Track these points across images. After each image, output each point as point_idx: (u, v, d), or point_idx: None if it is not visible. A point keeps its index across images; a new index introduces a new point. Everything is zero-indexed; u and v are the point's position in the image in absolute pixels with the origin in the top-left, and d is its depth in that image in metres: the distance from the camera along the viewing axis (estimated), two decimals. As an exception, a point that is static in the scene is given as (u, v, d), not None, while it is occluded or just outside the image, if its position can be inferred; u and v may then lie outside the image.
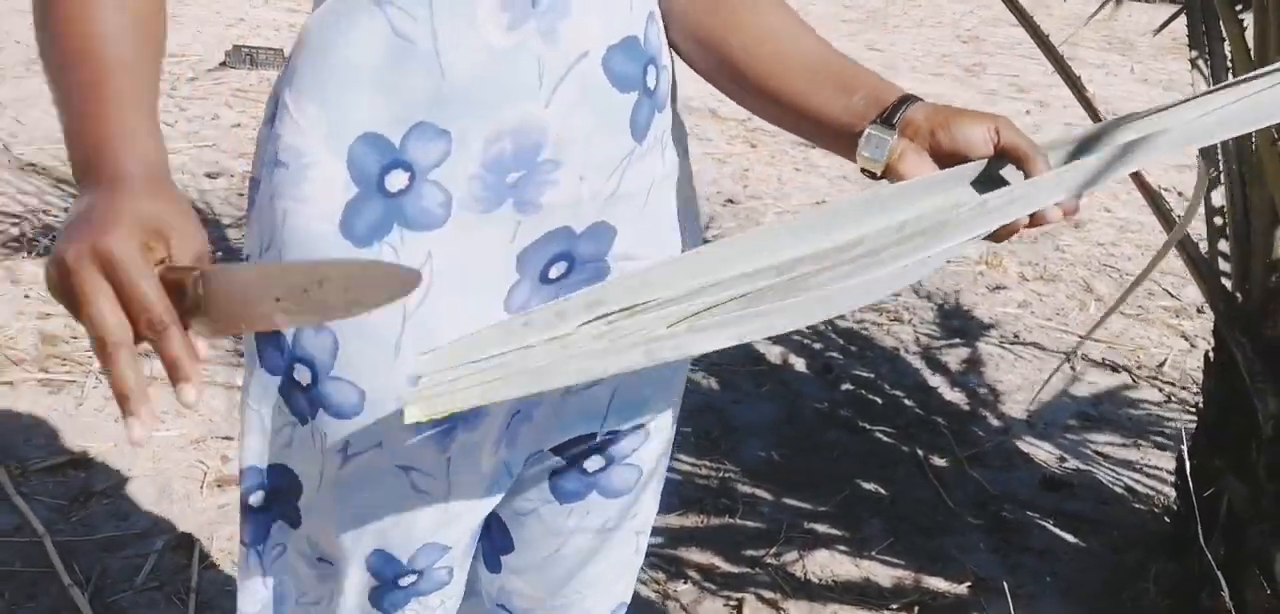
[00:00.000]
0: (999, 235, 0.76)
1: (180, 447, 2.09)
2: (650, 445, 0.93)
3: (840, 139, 0.80)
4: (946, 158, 0.77)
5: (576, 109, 0.77)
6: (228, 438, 2.13)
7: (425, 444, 0.82)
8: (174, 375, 0.61)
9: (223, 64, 4.87)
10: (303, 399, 0.81)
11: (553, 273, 0.81)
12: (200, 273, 0.62)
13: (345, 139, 0.76)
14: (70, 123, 0.67)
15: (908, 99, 0.79)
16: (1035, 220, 0.76)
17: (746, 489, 2.11)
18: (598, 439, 0.90)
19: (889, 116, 0.77)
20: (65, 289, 0.60)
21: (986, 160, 0.77)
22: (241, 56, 4.91)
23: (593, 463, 0.92)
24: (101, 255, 0.59)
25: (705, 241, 0.85)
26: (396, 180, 0.76)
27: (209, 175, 3.48)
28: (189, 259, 0.63)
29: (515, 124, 0.75)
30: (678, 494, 2.06)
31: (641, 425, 0.92)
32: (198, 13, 5.93)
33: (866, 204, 0.73)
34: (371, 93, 0.75)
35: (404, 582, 0.88)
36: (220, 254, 2.90)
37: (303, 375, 0.80)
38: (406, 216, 0.77)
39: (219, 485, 2.00)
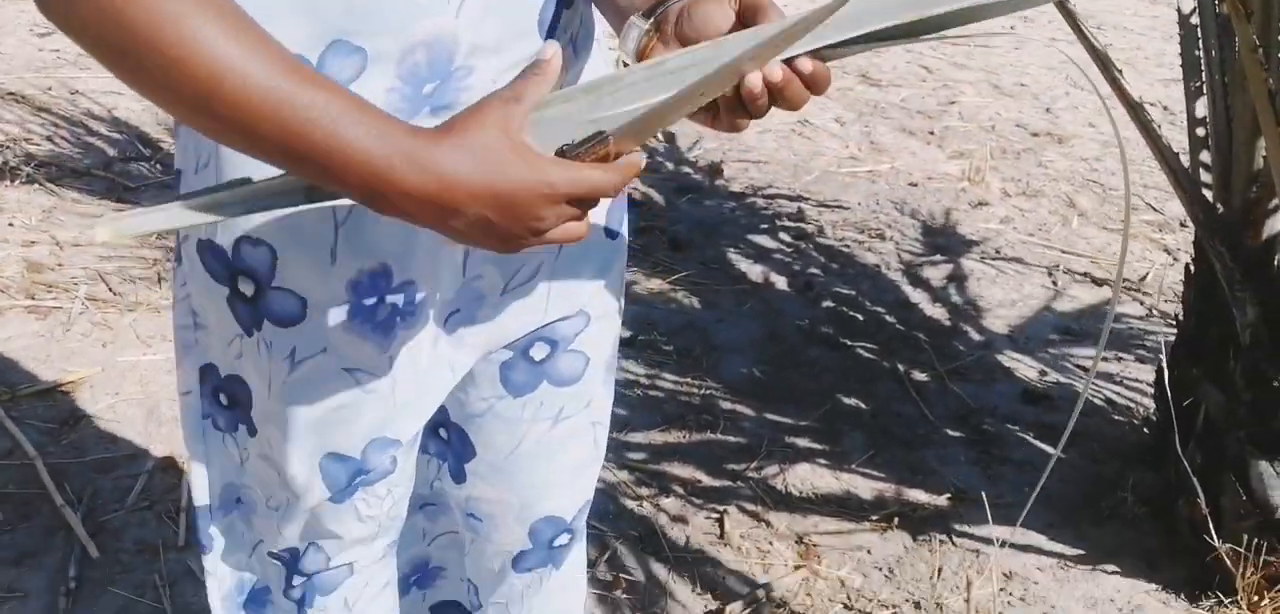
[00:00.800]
0: (732, 115, 0.74)
1: (167, 370, 2.10)
2: (593, 330, 0.96)
3: (617, 25, 0.81)
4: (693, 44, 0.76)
5: (486, 17, 0.77)
6: None
7: (366, 343, 0.84)
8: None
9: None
10: (247, 310, 0.83)
11: None
12: (611, 137, 0.70)
13: None
14: (334, 166, 0.67)
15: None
16: (774, 89, 0.72)
17: (728, 405, 2.12)
18: (539, 328, 0.93)
19: (653, 10, 0.77)
20: (544, 244, 0.72)
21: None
22: None
23: (538, 351, 0.94)
24: (552, 219, 0.70)
25: None
26: None
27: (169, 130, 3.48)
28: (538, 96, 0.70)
29: (427, 37, 0.76)
30: (660, 410, 2.07)
31: (582, 311, 0.94)
32: None
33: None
34: (289, 13, 0.74)
35: (356, 477, 0.91)
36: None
37: (246, 287, 0.82)
38: None
39: None
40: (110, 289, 2.35)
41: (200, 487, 0.97)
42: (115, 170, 2.91)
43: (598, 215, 0.92)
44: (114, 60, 0.65)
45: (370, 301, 0.83)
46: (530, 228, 0.69)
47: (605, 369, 0.99)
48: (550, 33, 0.81)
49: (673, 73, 0.71)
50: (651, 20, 0.77)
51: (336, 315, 0.83)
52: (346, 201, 0.75)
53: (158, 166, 2.96)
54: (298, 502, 0.92)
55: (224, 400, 0.91)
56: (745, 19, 0.73)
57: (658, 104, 0.69)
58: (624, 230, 0.97)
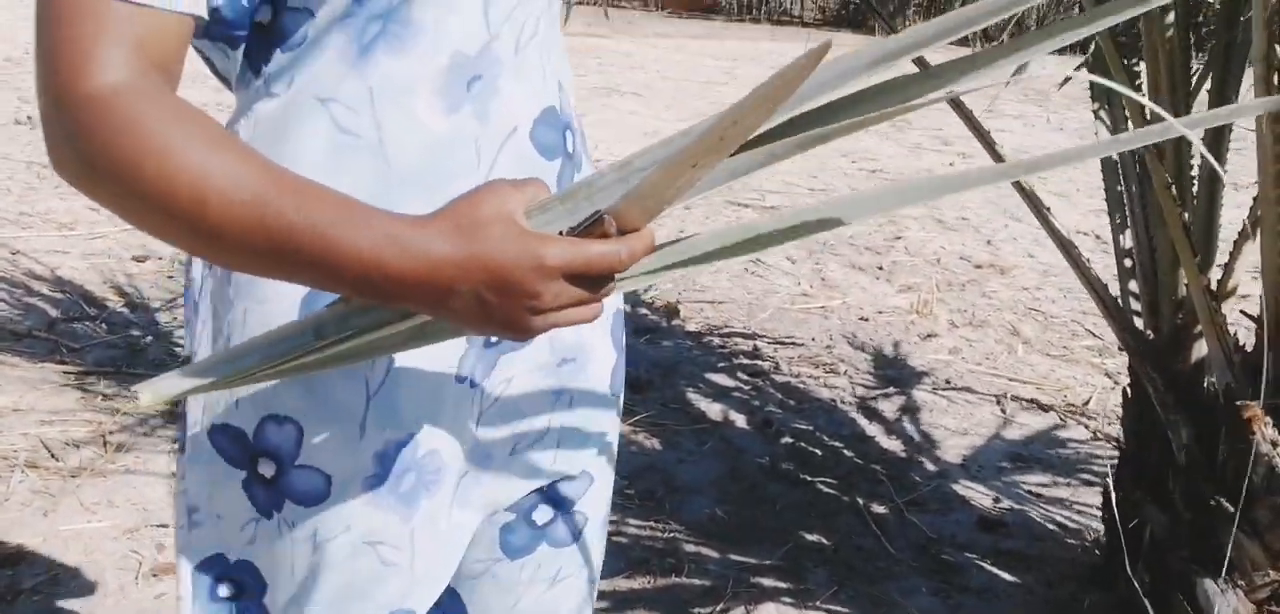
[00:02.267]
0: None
1: (113, 536, 2.05)
2: (593, 490, 0.96)
3: None
4: None
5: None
6: (163, 526, 2.09)
7: (390, 516, 0.84)
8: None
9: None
10: (266, 493, 0.81)
11: (494, 337, 0.84)
12: (607, 215, 0.68)
13: None
14: (327, 265, 0.66)
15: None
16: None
17: (692, 547, 2.14)
18: (543, 490, 0.93)
19: None
20: (550, 327, 0.69)
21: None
22: None
23: (541, 515, 0.94)
24: (549, 297, 0.67)
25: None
26: None
27: (136, 258, 3.43)
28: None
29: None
30: (625, 556, 2.08)
31: (585, 471, 0.95)
32: None
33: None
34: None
35: None
36: (149, 338, 2.87)
37: (267, 468, 0.81)
38: None
39: (154, 575, 1.97)
40: (51, 455, 2.29)
41: None
42: (58, 331, 2.86)
43: (602, 369, 0.93)
44: (118, 203, 0.67)
45: (396, 473, 0.82)
46: (528, 306, 0.67)
47: (601, 525, 0.99)
48: None
49: (692, 164, 0.68)
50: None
51: (362, 490, 0.81)
52: (379, 374, 0.78)
53: (102, 326, 2.91)
54: None
55: (224, 591, 0.87)
56: None
57: (655, 172, 0.67)
58: (621, 390, 0.98)
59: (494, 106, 0.80)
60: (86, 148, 0.65)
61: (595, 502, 0.97)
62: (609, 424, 0.96)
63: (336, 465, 0.81)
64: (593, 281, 0.68)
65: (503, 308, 0.66)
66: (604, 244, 0.67)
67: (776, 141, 0.70)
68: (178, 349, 2.84)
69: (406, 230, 0.66)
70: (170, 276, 3.32)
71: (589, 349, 0.92)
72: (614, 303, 0.95)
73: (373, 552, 0.84)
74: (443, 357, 0.82)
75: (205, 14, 0.71)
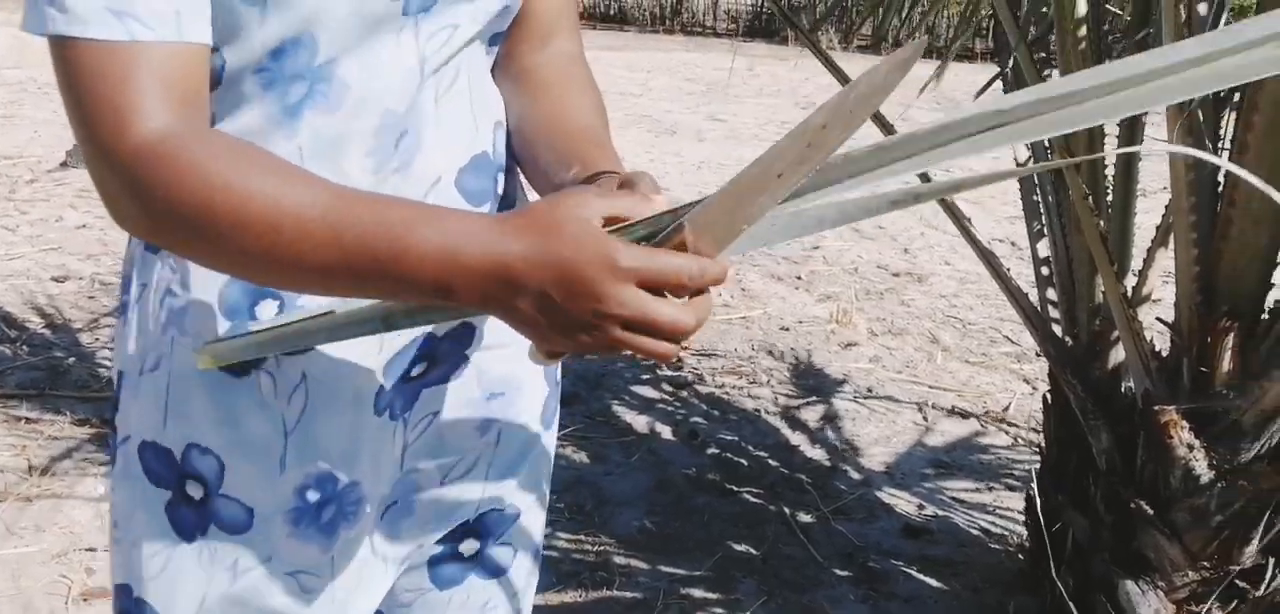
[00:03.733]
0: None
1: (41, 561, 2.00)
2: (523, 523, 0.96)
3: None
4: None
5: None
6: (92, 549, 2.04)
7: (310, 546, 0.83)
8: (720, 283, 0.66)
9: (63, 164, 4.69)
10: (193, 515, 0.81)
11: (414, 371, 0.84)
12: (687, 225, 0.64)
13: (217, 278, 0.77)
14: (403, 266, 0.65)
15: (603, 174, 0.77)
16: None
17: (622, 560, 2.11)
18: (469, 523, 0.93)
19: (587, 182, 0.77)
20: (616, 345, 0.65)
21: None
22: (82, 156, 4.73)
23: (468, 547, 0.94)
24: (621, 304, 0.63)
25: None
26: (267, 309, 0.78)
27: (56, 279, 3.36)
28: (623, 205, 0.66)
29: None
30: (555, 571, 2.04)
31: (513, 505, 0.94)
32: (34, 114, 5.67)
33: None
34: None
35: None
36: (72, 359, 2.78)
37: (195, 490, 0.81)
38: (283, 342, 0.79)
39: (84, 600, 1.92)
40: None
41: None
42: None
43: (533, 403, 0.92)
44: (190, 246, 0.68)
45: (316, 505, 0.82)
46: (593, 308, 0.63)
47: (532, 557, 0.99)
48: None
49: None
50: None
51: (283, 522, 0.82)
52: (295, 411, 0.79)
53: (23, 348, 2.84)
54: None
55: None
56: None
57: (732, 185, 0.63)
58: (555, 422, 0.97)
59: (417, 160, 0.79)
60: (151, 199, 0.66)
61: (524, 535, 0.97)
62: (540, 459, 0.96)
63: (257, 500, 0.81)
64: (659, 294, 0.64)
65: (567, 309, 0.64)
66: (679, 256, 0.64)
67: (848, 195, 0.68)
68: (101, 370, 2.75)
69: (480, 225, 0.66)
70: (91, 297, 3.24)
71: (519, 383, 0.91)
72: None
73: (294, 579, 0.85)
74: (359, 391, 0.82)
75: (212, 40, 0.70)
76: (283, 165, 0.68)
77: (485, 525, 0.94)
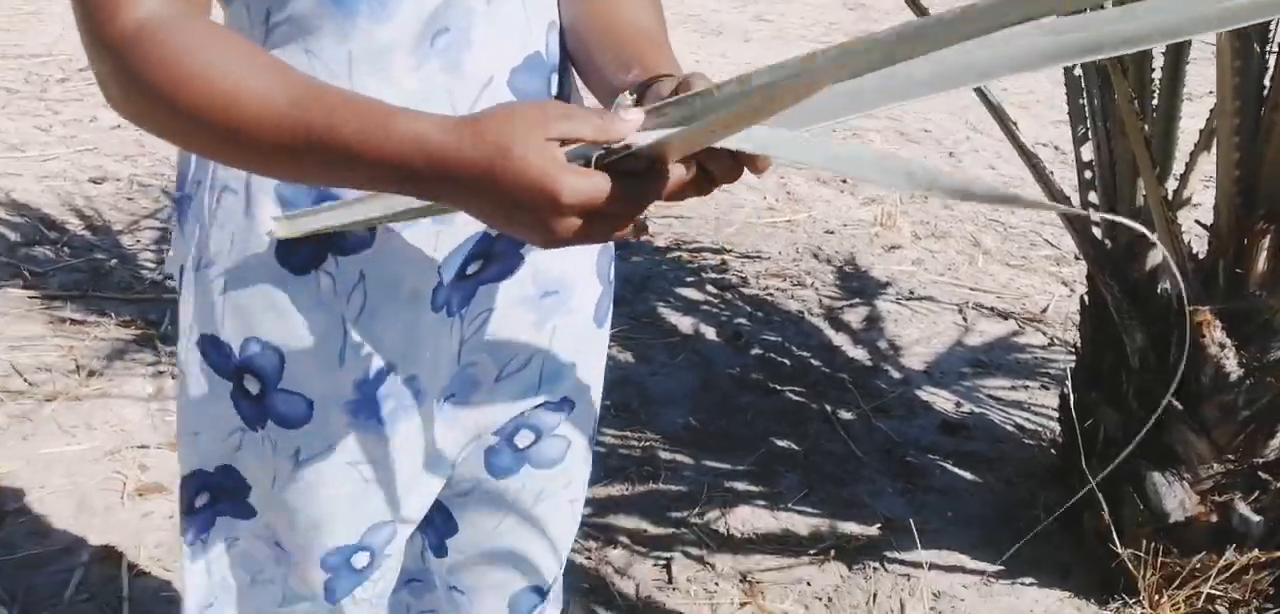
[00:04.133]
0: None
1: (94, 459, 2.07)
2: (575, 415, 0.99)
3: (607, 104, 0.81)
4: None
5: None
6: (143, 447, 2.11)
7: (370, 437, 0.88)
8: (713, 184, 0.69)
9: (97, 63, 4.65)
10: (252, 407, 0.85)
11: (470, 270, 0.87)
12: (664, 148, 0.66)
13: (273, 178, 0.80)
14: (360, 159, 0.67)
15: (661, 77, 0.78)
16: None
17: (668, 455, 2.21)
18: (525, 414, 0.96)
19: (640, 88, 0.78)
20: (574, 245, 0.68)
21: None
22: None
23: (523, 437, 0.98)
24: (563, 228, 0.66)
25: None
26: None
27: (93, 180, 3.35)
28: (590, 126, 0.67)
29: None
30: (602, 465, 2.15)
31: (566, 398, 0.98)
32: (60, 8, 5.61)
33: None
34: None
35: (356, 561, 0.94)
36: (114, 261, 2.83)
37: (252, 385, 0.84)
38: (338, 244, 0.82)
39: (140, 494, 1.99)
40: (26, 380, 2.28)
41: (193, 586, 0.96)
42: (19, 256, 2.81)
43: (586, 301, 0.95)
44: (164, 128, 0.70)
45: (375, 397, 0.85)
46: (541, 233, 0.67)
47: (585, 448, 1.02)
48: None
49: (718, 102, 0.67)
50: (634, 97, 0.77)
51: (342, 412, 0.85)
52: (354, 308, 0.83)
53: (65, 250, 2.87)
54: (295, 576, 0.94)
55: (201, 502, 0.91)
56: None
57: (715, 120, 0.65)
58: (608, 319, 1.00)
59: (466, 58, 0.80)
60: (129, 83, 0.69)
61: (578, 427, 1.00)
62: (593, 354, 0.98)
63: (317, 390, 0.84)
64: (606, 219, 0.67)
65: (520, 225, 0.67)
66: (620, 188, 0.66)
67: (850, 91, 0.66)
68: (144, 271, 2.81)
69: (434, 134, 0.67)
70: (129, 198, 3.26)
71: (572, 282, 0.94)
72: None
73: (355, 471, 0.89)
74: (416, 289, 0.85)
75: None
76: (254, 55, 0.70)
77: (540, 417, 0.97)
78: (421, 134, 0.67)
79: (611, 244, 0.99)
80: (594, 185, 0.66)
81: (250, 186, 0.81)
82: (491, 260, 0.88)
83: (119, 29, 0.68)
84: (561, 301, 0.93)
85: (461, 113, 0.79)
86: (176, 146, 0.76)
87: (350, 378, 0.84)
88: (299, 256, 0.82)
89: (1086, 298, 2.11)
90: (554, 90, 0.87)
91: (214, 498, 0.92)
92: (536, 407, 0.96)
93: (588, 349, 0.98)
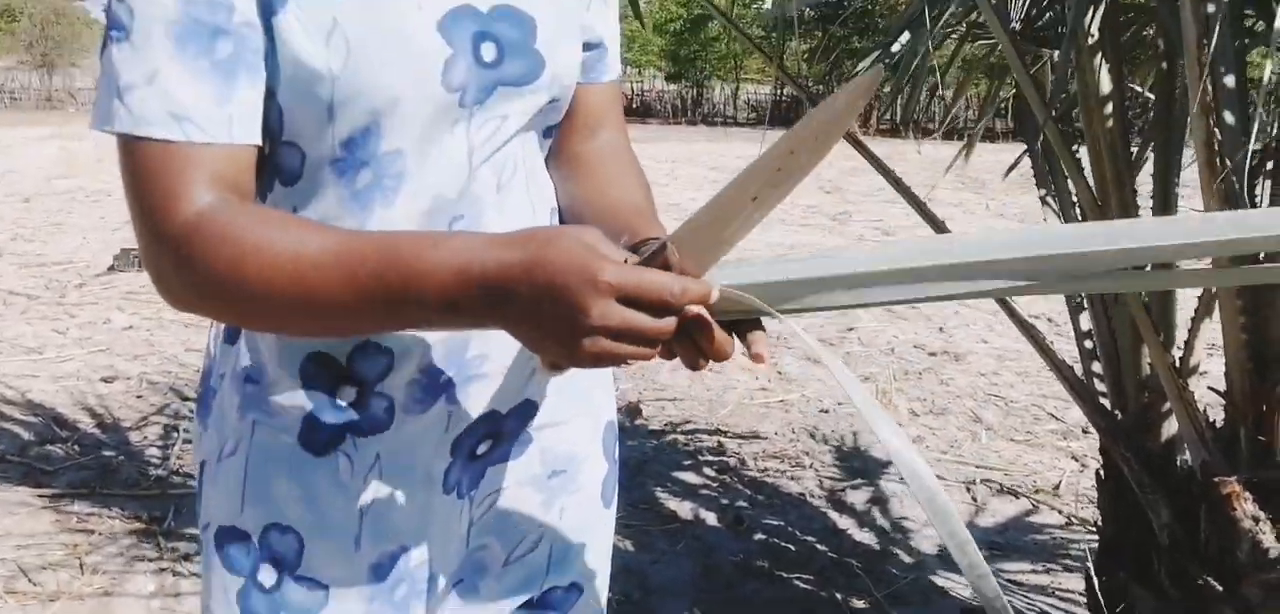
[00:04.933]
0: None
1: None
2: (583, 602, 0.98)
3: None
4: None
5: None
6: None
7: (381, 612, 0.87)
8: (714, 348, 0.70)
9: (111, 268, 4.83)
10: (263, 601, 0.85)
11: (480, 449, 0.88)
12: (670, 242, 0.68)
13: (295, 358, 0.82)
14: (413, 290, 0.70)
15: (650, 242, 0.80)
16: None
17: (672, 652, 2.07)
18: (534, 601, 0.96)
19: (635, 248, 0.79)
20: (603, 356, 0.68)
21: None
22: (130, 259, 4.93)
23: None
24: (596, 317, 0.66)
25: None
26: (346, 394, 0.83)
27: (104, 379, 3.44)
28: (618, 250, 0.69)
29: (444, 335, 0.82)
30: (603, 666, 2.01)
31: (574, 583, 0.97)
32: (82, 221, 5.85)
33: None
34: None
35: None
36: (121, 458, 2.83)
37: (267, 577, 0.85)
38: (358, 425, 0.83)
39: None
40: (30, 580, 2.24)
41: None
42: (31, 455, 2.83)
43: (593, 480, 0.95)
44: (227, 308, 0.74)
45: (390, 583, 0.86)
46: (577, 319, 0.66)
47: None
48: None
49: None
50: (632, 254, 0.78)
51: (357, 599, 0.85)
52: (371, 492, 0.83)
53: (75, 448, 2.89)
54: None
55: None
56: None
57: (711, 203, 0.67)
58: (614, 500, 1.00)
59: None
60: (190, 270, 0.72)
61: (586, 609, 0.99)
62: (600, 535, 0.99)
63: (334, 575, 0.85)
64: (646, 308, 0.67)
65: (555, 319, 0.67)
66: (659, 273, 0.67)
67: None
68: (150, 467, 2.79)
69: (482, 241, 0.70)
70: (139, 396, 3.31)
71: (580, 460, 0.94)
72: (606, 413, 0.99)
73: None
74: (429, 470, 0.86)
75: (261, 141, 0.76)
76: (306, 223, 0.74)
77: (548, 602, 0.96)
78: (469, 247, 0.69)
79: (615, 422, 1.00)
80: (635, 271, 0.67)
81: (273, 373, 0.83)
82: (500, 440, 0.89)
83: (179, 222, 0.72)
84: (569, 481, 0.94)
85: None
86: (237, 324, 0.79)
87: (366, 562, 0.85)
88: (320, 439, 0.83)
89: (1102, 472, 2.03)
90: None
91: None
92: (546, 592, 0.95)
93: (595, 529, 0.98)
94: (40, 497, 2.60)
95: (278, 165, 0.79)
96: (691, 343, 0.70)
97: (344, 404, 0.83)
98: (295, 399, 0.82)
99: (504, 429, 0.88)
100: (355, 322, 0.72)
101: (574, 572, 0.96)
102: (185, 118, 0.72)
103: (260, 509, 0.84)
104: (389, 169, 0.78)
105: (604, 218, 0.86)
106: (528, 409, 0.89)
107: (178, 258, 0.72)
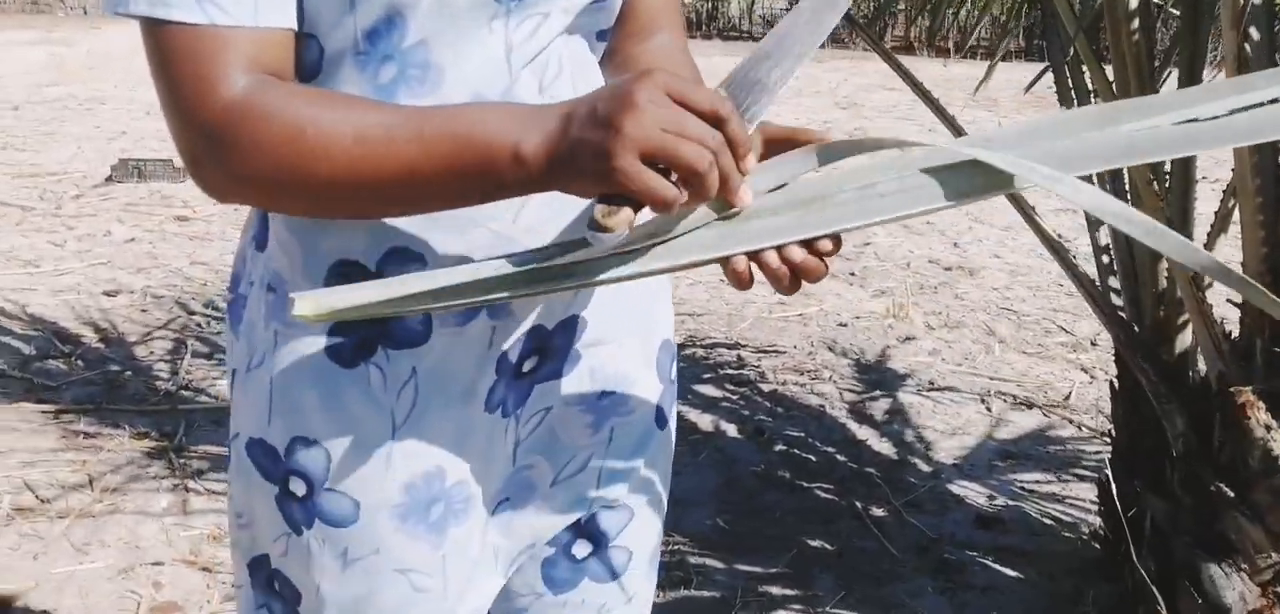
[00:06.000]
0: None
1: (108, 577, 2.01)
2: (637, 524, 0.94)
3: None
4: None
5: (545, 223, 0.79)
6: (158, 564, 2.06)
7: (419, 544, 0.84)
8: (739, 152, 0.69)
9: (109, 178, 4.73)
10: (298, 509, 0.83)
11: (526, 367, 0.85)
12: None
13: (320, 266, 0.79)
14: (480, 140, 0.69)
15: None
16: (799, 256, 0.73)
17: (697, 559, 2.15)
18: (583, 523, 0.92)
19: None
20: (650, 148, 0.66)
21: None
22: (129, 169, 4.79)
23: (580, 548, 0.93)
24: (644, 102, 0.66)
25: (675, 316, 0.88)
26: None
27: (107, 293, 3.38)
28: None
29: (487, 244, 0.78)
30: (633, 572, 2.08)
31: (625, 505, 0.93)
32: (76, 130, 5.75)
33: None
34: (345, 222, 0.77)
35: None
36: (128, 373, 2.83)
37: (298, 487, 0.82)
38: (391, 336, 0.80)
39: (155, 613, 1.94)
40: (38, 497, 2.24)
41: None
42: (33, 370, 2.81)
43: (645, 400, 0.91)
44: (277, 189, 0.72)
45: (424, 502, 0.83)
46: (628, 106, 0.66)
47: (649, 562, 0.97)
48: None
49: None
50: None
51: (390, 518, 0.82)
52: (404, 407, 0.80)
53: (78, 363, 2.87)
54: None
55: (278, 585, 0.88)
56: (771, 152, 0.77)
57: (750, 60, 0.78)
58: (672, 420, 0.95)
59: None
60: (235, 152, 0.70)
61: (639, 537, 0.94)
62: (656, 458, 0.94)
63: (364, 493, 0.82)
64: (692, 118, 0.67)
65: (609, 109, 0.66)
66: (710, 91, 0.69)
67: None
68: (158, 382, 2.79)
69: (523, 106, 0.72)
70: (143, 310, 3.27)
71: (631, 380, 0.90)
72: (661, 331, 0.94)
73: (404, 578, 0.85)
74: (470, 386, 0.82)
75: (297, 24, 0.74)
76: (355, 98, 0.73)
77: (598, 527, 0.92)
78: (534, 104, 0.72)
79: (673, 341, 0.96)
80: (685, 80, 0.68)
81: (298, 282, 0.80)
82: (547, 357, 0.86)
83: (217, 107, 0.69)
84: (620, 402, 0.90)
85: (516, 203, 0.79)
86: (282, 207, 0.76)
87: (398, 481, 0.82)
88: (348, 348, 0.80)
89: (1116, 383, 2.08)
90: None
91: (282, 592, 0.88)
92: (594, 514, 0.92)
93: (650, 452, 0.94)
94: (44, 412, 2.58)
95: (296, 54, 0.76)
96: (784, 267, 0.71)
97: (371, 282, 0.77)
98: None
99: (551, 345, 0.85)
100: (414, 185, 0.70)
101: (625, 494, 0.92)
102: (208, 0, 0.69)
103: (287, 421, 0.81)
104: (414, 62, 0.75)
105: None
106: (576, 325, 0.86)
107: (220, 143, 0.69)
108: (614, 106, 0.66)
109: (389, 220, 0.77)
